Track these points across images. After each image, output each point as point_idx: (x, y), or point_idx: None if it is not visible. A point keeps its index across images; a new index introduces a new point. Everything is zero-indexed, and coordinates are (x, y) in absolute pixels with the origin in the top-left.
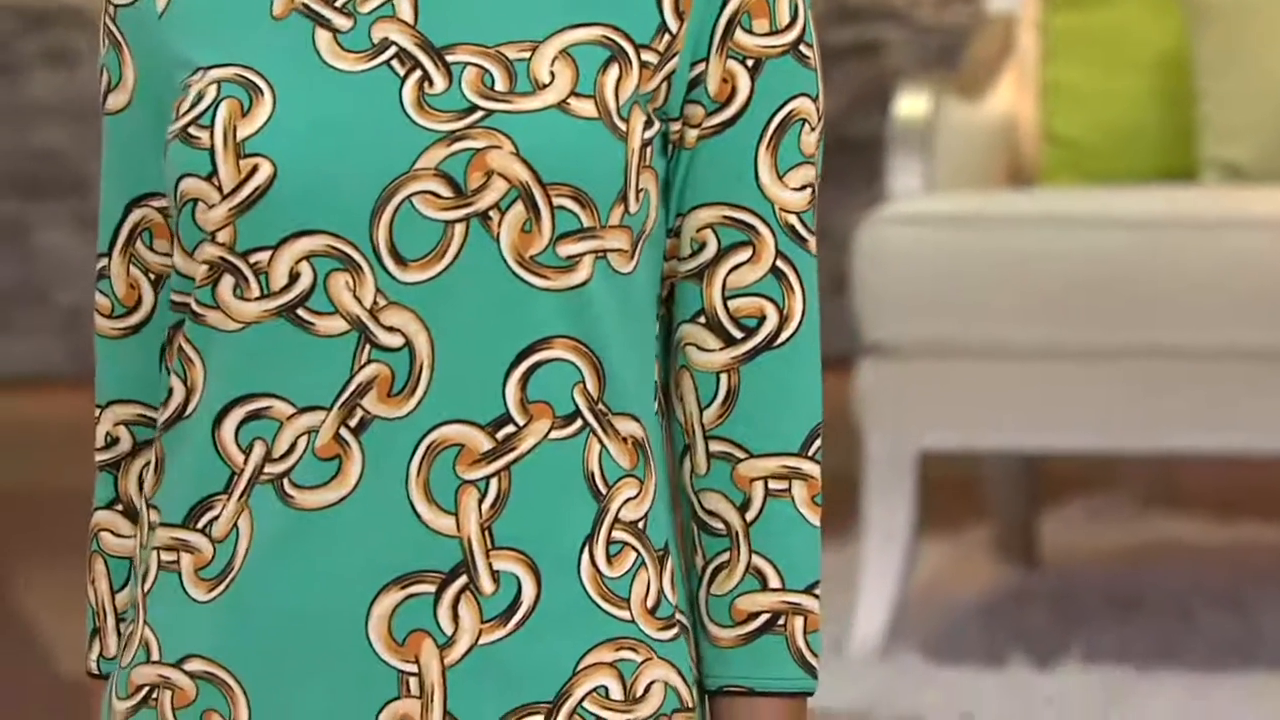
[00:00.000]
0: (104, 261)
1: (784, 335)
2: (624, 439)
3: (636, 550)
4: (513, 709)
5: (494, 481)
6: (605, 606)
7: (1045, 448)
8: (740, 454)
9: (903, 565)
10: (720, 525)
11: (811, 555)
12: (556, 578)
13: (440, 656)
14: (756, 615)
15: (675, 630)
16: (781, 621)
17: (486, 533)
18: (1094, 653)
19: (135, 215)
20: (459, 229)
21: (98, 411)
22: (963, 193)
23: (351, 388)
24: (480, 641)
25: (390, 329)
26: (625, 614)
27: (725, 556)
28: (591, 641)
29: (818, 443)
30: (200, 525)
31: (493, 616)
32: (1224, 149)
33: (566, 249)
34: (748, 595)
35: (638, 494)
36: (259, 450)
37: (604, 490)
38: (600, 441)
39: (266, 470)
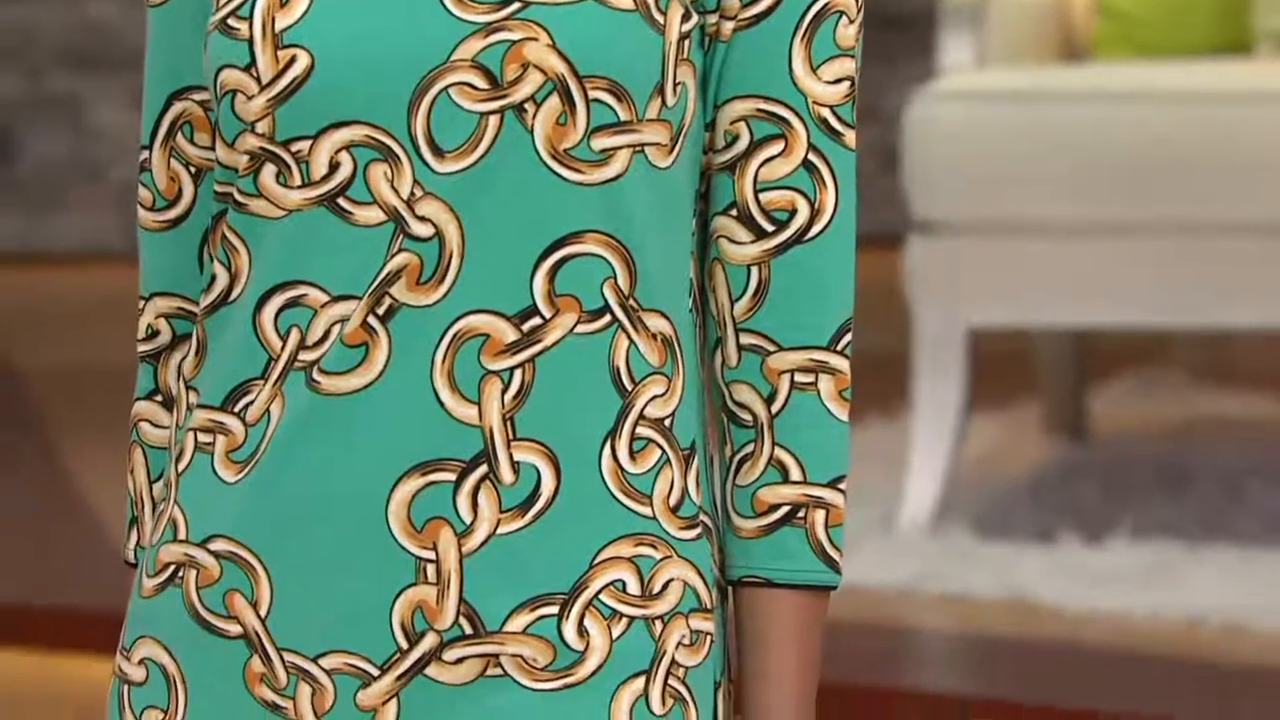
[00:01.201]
0: (145, 154)
1: (815, 229)
2: (653, 336)
3: (661, 448)
4: (528, 599)
5: (518, 373)
6: (626, 501)
7: (1095, 324)
8: (770, 347)
9: (952, 442)
10: (748, 417)
11: (836, 449)
12: (577, 471)
13: (458, 545)
14: (777, 507)
15: (698, 530)
16: (801, 514)
17: (508, 423)
18: (1143, 528)
19: (176, 108)
20: (493, 120)
21: (141, 303)
22: (1014, 67)
23: (381, 276)
24: (498, 531)
25: (422, 219)
26: (646, 510)
27: (750, 448)
28: (610, 535)
29: (848, 338)
30: (236, 409)
31: (511, 507)
32: (1278, 20)
33: (601, 142)
34: (769, 487)
35: (665, 391)
36: (294, 337)
37: (630, 386)
38: (629, 337)
39: (300, 357)
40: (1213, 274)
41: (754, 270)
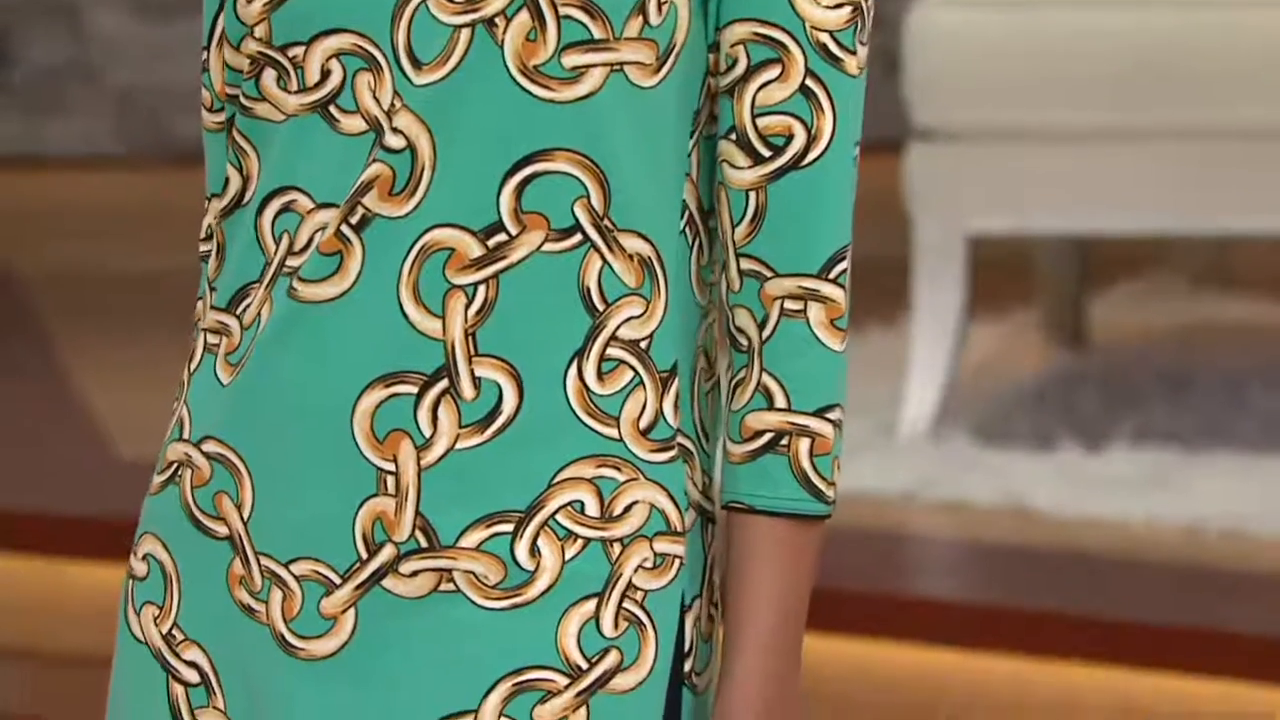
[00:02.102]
0: (205, 54)
1: (811, 155)
2: (629, 256)
3: (634, 369)
4: (484, 516)
5: (482, 289)
6: (589, 422)
7: (1095, 230)
8: (767, 272)
9: (952, 349)
10: (744, 341)
11: (825, 378)
12: (540, 390)
13: (417, 457)
14: (761, 434)
15: (672, 453)
16: (785, 442)
17: (470, 339)
18: (1143, 433)
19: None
20: (465, 34)
21: (206, 202)
22: None
23: (356, 185)
24: (457, 446)
25: (396, 130)
26: (612, 432)
27: (743, 373)
28: (571, 456)
29: (841, 265)
30: (238, 311)
31: (471, 422)
32: None
33: (573, 59)
34: (755, 413)
35: (642, 313)
36: (285, 243)
37: (601, 307)
38: (602, 257)
39: (287, 263)
40: (1212, 179)
41: (752, 195)
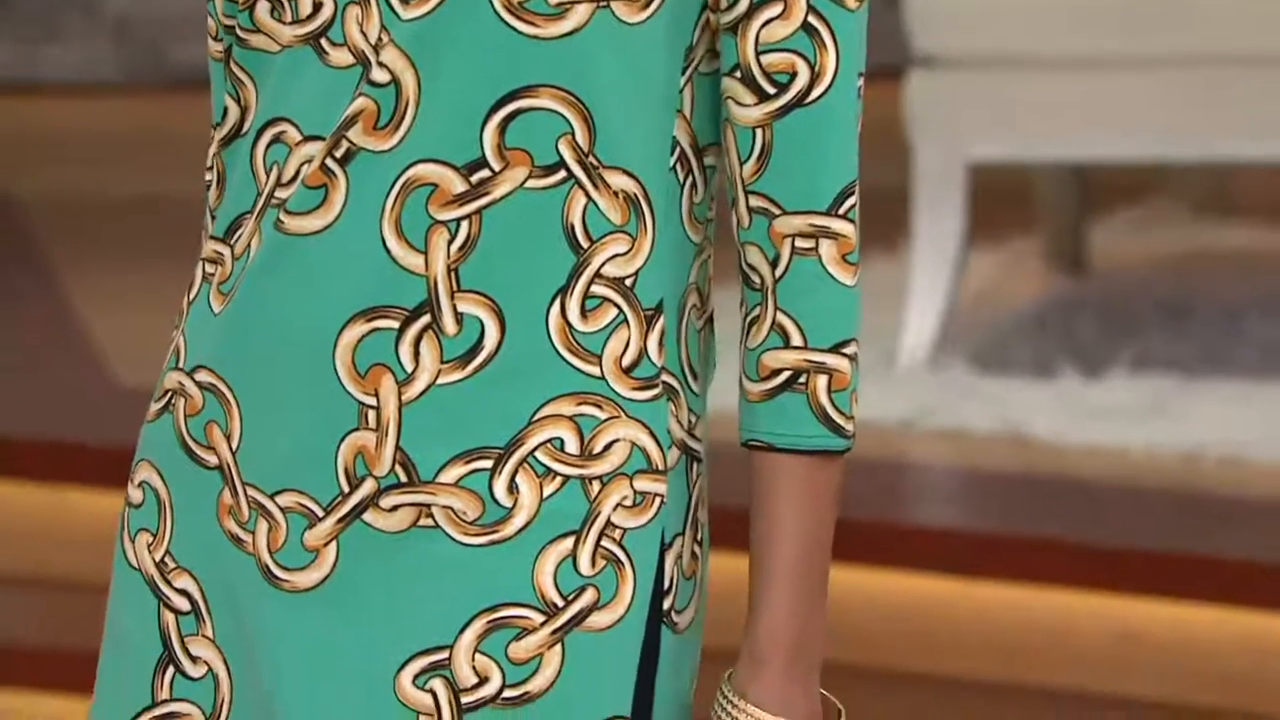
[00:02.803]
0: None
1: (815, 92)
2: (615, 193)
3: (618, 307)
4: (463, 452)
5: (464, 224)
6: (571, 360)
7: (1095, 157)
8: (774, 210)
9: (951, 277)
10: (756, 279)
11: (840, 313)
12: (522, 326)
13: (398, 392)
14: (779, 372)
15: (656, 391)
16: (803, 380)
17: (452, 274)
18: (1142, 361)
19: None
20: None
21: (211, 131)
22: None
23: (341, 119)
24: (438, 382)
25: (382, 65)
26: (594, 369)
27: (757, 311)
28: (552, 393)
29: (850, 201)
30: (231, 240)
31: (453, 358)
32: None
33: None
34: (771, 352)
35: (628, 250)
36: (274, 174)
37: (585, 244)
38: (586, 194)
39: (276, 195)
40: (1213, 105)
41: (758, 133)
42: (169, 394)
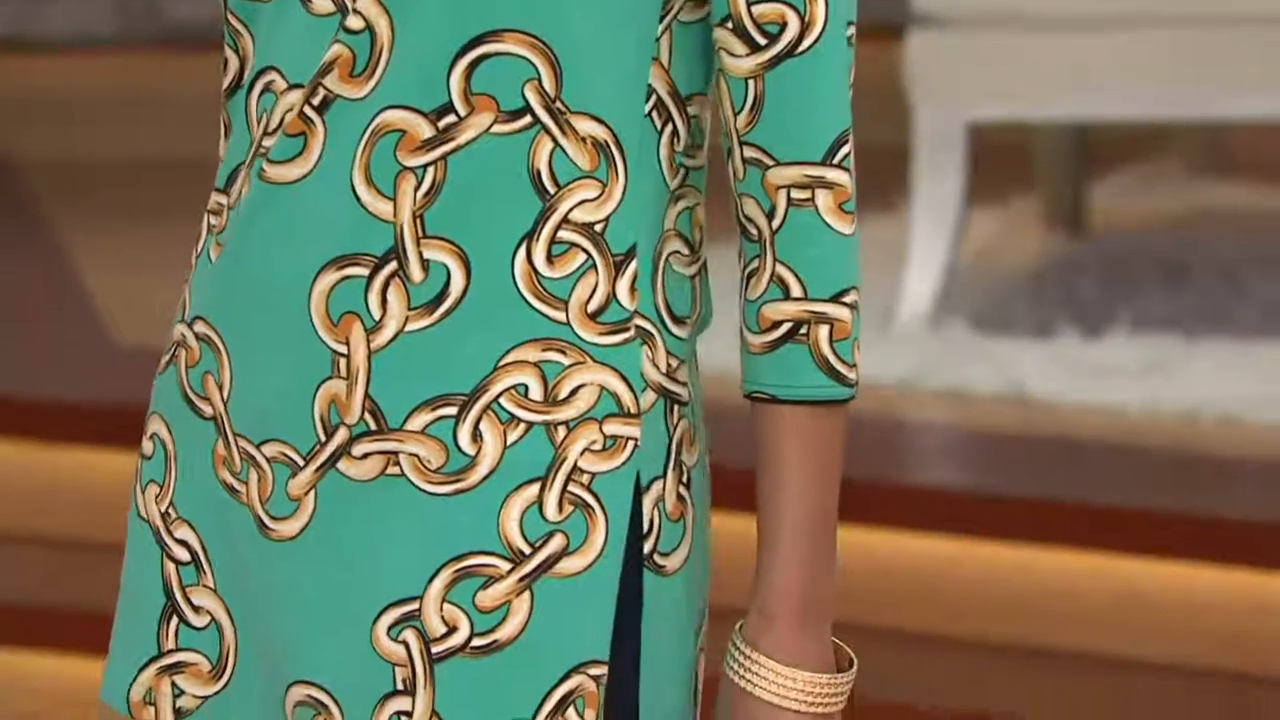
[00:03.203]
0: None
1: (806, 43)
2: (583, 139)
3: (587, 252)
4: (429, 399)
5: (431, 170)
6: (537, 305)
7: (1095, 116)
8: (768, 161)
9: (951, 236)
10: (754, 230)
11: (839, 263)
12: (487, 272)
13: (367, 340)
14: (780, 324)
15: (628, 335)
16: (804, 330)
17: (418, 220)
18: (1142, 320)
19: None
20: None
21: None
22: None
23: (319, 66)
24: (406, 329)
25: (357, 12)
26: (559, 315)
27: (756, 263)
28: (517, 339)
29: (844, 149)
30: (230, 190)
31: (420, 304)
32: None
33: None
34: (772, 304)
35: (598, 196)
36: (263, 123)
37: (552, 189)
38: (553, 140)
39: (263, 144)
40: (1213, 64)
41: (751, 84)
42: (174, 346)
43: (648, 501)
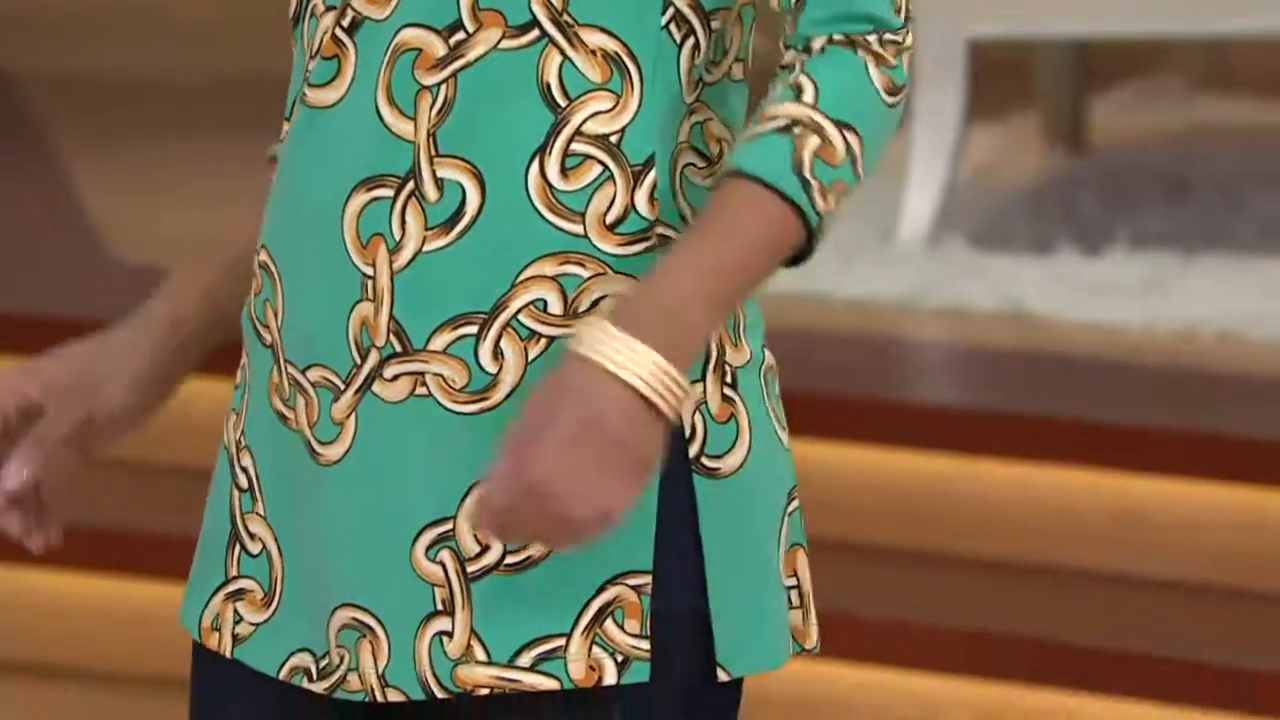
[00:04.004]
0: None
1: None
2: (592, 51)
3: (603, 164)
4: (450, 319)
5: (443, 88)
6: (552, 219)
7: (1094, 33)
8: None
9: (951, 153)
10: (788, 62)
11: (860, 100)
12: (501, 188)
13: (390, 261)
14: (776, 118)
15: (648, 243)
16: (796, 130)
17: (431, 139)
18: (1141, 237)
19: None
20: None
21: None
22: None
23: None
24: (424, 249)
25: None
26: (576, 227)
27: (778, 84)
28: (534, 254)
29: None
30: (289, 117)
31: (437, 224)
32: None
33: None
34: (776, 104)
35: (612, 107)
36: (310, 47)
37: (563, 102)
38: (562, 53)
39: (309, 68)
40: None
41: None
42: (255, 277)
43: (687, 405)
